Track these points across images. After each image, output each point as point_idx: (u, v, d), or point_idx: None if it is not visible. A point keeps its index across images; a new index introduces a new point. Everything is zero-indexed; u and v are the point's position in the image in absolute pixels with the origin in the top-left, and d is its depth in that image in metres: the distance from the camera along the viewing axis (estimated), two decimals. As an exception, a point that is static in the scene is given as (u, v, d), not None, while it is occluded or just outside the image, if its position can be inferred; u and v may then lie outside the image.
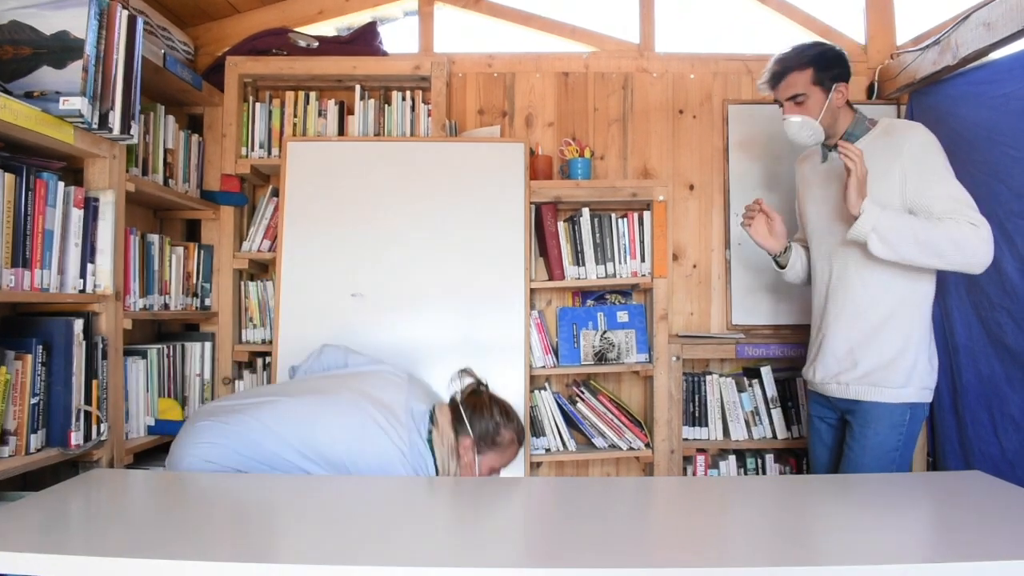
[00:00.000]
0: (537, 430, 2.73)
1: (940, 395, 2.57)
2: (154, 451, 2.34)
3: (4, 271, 1.67)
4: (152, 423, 2.35)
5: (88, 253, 1.95)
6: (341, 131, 2.83)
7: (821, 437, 2.25)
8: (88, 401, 1.90)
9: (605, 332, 2.80)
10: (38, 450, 1.78)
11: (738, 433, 2.78)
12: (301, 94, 2.84)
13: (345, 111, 2.86)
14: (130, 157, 2.22)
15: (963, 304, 2.48)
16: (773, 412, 2.79)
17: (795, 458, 2.81)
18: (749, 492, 1.75)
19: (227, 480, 1.74)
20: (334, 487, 1.71)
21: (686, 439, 2.77)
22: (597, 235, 2.77)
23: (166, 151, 2.51)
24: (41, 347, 1.78)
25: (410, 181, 2.68)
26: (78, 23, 1.80)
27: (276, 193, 2.78)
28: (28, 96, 1.75)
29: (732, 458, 2.83)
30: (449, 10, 3.08)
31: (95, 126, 1.87)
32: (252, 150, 2.81)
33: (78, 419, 1.86)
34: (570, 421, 2.77)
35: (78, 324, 1.87)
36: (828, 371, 2.13)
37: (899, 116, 2.85)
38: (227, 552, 1.22)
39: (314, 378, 2.15)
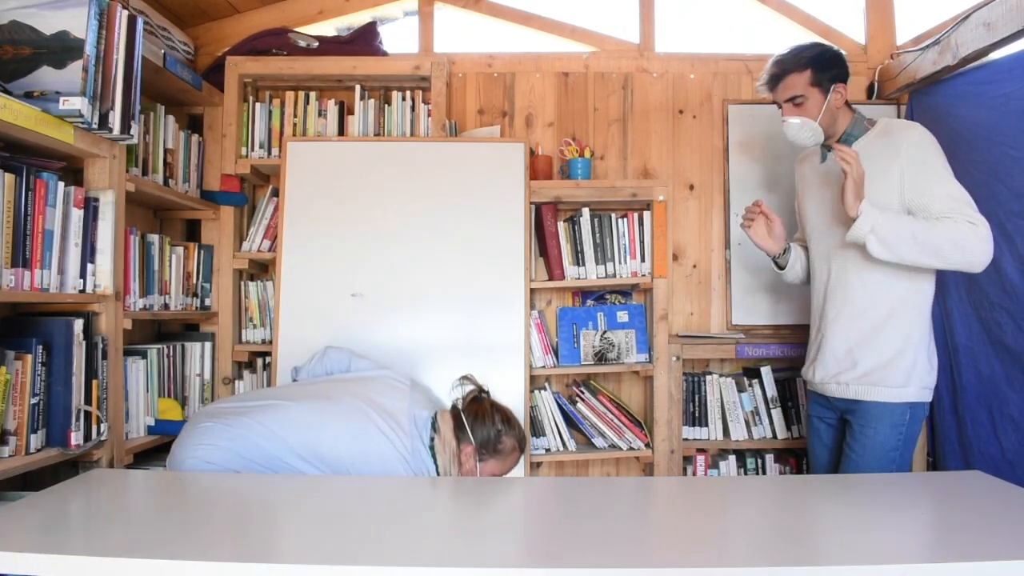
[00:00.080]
0: (537, 430, 2.73)
1: (940, 395, 2.57)
2: (154, 451, 2.34)
3: (4, 271, 1.67)
4: (152, 423, 2.35)
5: (88, 253, 1.95)
6: (341, 131, 2.83)
7: (820, 437, 2.25)
8: (88, 401, 1.90)
9: (605, 332, 2.80)
10: (38, 450, 1.78)
11: (738, 433, 2.78)
12: (301, 94, 2.84)
13: (345, 111, 2.86)
14: (130, 157, 2.22)
15: (963, 304, 2.48)
16: (773, 412, 2.79)
17: (795, 458, 2.81)
18: (749, 492, 1.75)
19: (227, 480, 1.74)
20: (334, 487, 1.71)
21: (686, 439, 2.77)
22: (597, 235, 2.78)
23: (166, 151, 2.51)
24: (41, 347, 1.78)
25: (410, 181, 2.68)
26: (78, 23, 1.80)
27: (276, 193, 2.78)
28: (28, 96, 1.75)
29: (732, 458, 2.83)
30: (449, 10, 3.08)
31: (95, 126, 1.87)
32: (252, 150, 2.81)
33: (78, 419, 1.86)
34: (570, 421, 2.77)
35: (78, 324, 1.87)
36: (827, 371, 2.13)
37: (899, 116, 2.86)
38: (227, 552, 1.22)
39: (317, 382, 2.15)
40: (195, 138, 2.74)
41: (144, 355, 2.34)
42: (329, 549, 1.23)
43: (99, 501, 1.60)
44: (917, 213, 1.95)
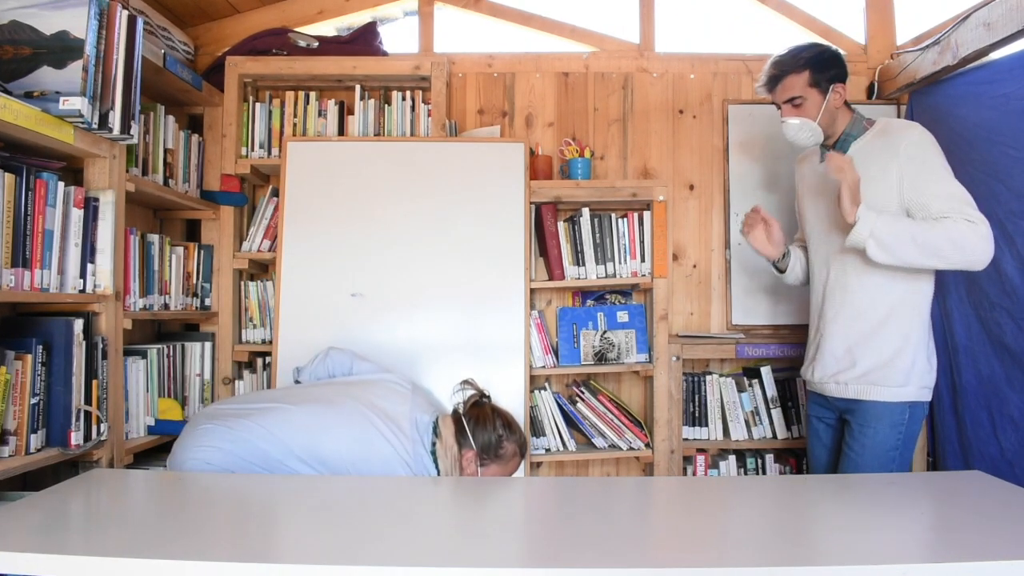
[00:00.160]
0: (537, 430, 2.73)
1: (940, 395, 2.57)
2: (154, 451, 2.34)
3: (4, 271, 1.67)
4: (152, 423, 2.35)
5: (88, 253, 1.95)
6: (341, 131, 2.83)
7: (819, 437, 2.25)
8: (88, 401, 1.90)
9: (605, 332, 2.80)
10: (38, 450, 1.78)
11: (738, 433, 2.78)
12: (301, 94, 2.84)
13: (345, 111, 2.86)
14: (130, 157, 2.22)
15: (963, 304, 2.48)
16: (773, 412, 2.79)
17: (795, 458, 2.81)
18: (749, 492, 1.75)
19: (227, 480, 1.75)
20: (334, 487, 1.71)
21: (686, 439, 2.77)
22: (597, 235, 2.78)
23: (166, 151, 2.51)
24: (41, 347, 1.78)
25: (410, 181, 2.68)
26: (78, 23, 1.80)
27: (276, 193, 2.78)
28: (28, 96, 1.75)
29: (732, 458, 2.83)
30: (449, 10, 3.08)
31: (95, 126, 1.87)
32: (252, 150, 2.81)
33: (78, 419, 1.86)
34: (570, 421, 2.77)
35: (78, 324, 1.87)
36: (826, 371, 2.13)
37: (899, 116, 2.86)
38: (227, 552, 1.22)
39: (319, 385, 2.15)
40: (195, 138, 2.73)
41: (144, 355, 2.34)
42: (329, 549, 1.23)
43: (99, 501, 1.60)
44: (916, 213, 1.95)
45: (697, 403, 2.80)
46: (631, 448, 2.72)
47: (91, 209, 1.96)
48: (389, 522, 1.43)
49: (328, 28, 3.09)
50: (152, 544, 1.24)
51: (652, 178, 2.98)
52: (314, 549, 1.23)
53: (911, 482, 1.84)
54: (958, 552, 1.23)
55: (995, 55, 2.31)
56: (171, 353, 2.51)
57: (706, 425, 2.80)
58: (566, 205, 2.86)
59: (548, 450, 2.74)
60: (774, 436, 2.79)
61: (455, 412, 2.06)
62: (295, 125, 2.83)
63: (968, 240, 1.87)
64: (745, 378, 2.83)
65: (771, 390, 2.79)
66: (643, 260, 2.77)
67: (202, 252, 2.71)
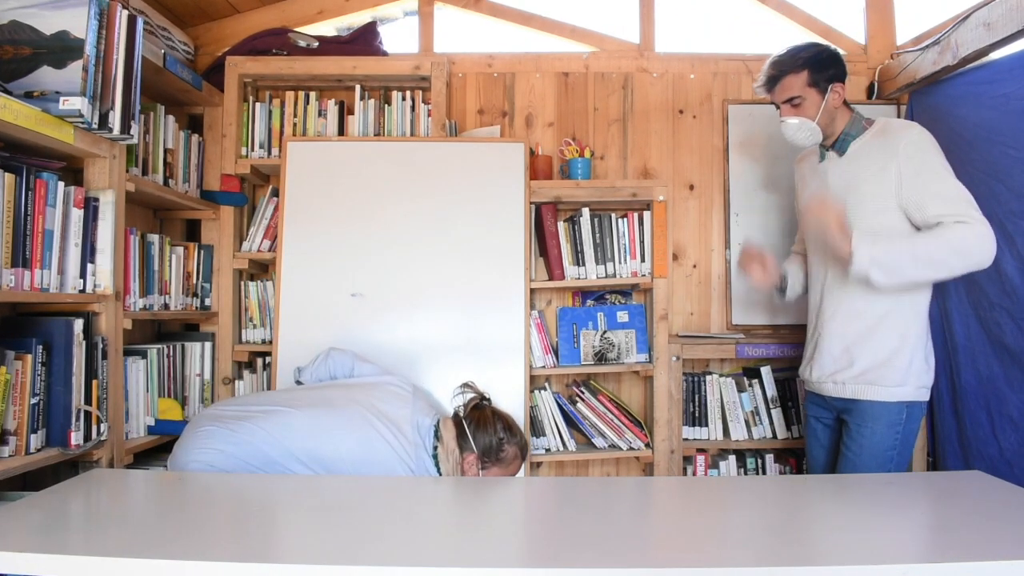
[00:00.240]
0: (537, 430, 2.73)
1: (940, 395, 2.57)
2: (154, 451, 2.34)
3: (4, 271, 1.67)
4: (152, 423, 2.35)
5: (88, 253, 1.95)
6: (341, 131, 2.83)
7: (817, 437, 2.25)
8: (88, 401, 1.90)
9: (605, 332, 2.80)
10: (38, 450, 1.78)
11: (738, 433, 2.78)
12: (301, 94, 2.84)
13: (345, 111, 2.86)
14: (130, 157, 2.22)
15: (962, 304, 2.48)
16: (773, 412, 2.79)
17: (795, 458, 2.81)
18: (749, 492, 1.75)
19: (227, 480, 1.75)
20: (334, 487, 1.71)
21: (686, 439, 2.77)
22: (597, 235, 2.78)
23: (166, 151, 2.51)
24: (41, 347, 1.78)
25: (410, 181, 2.68)
26: (78, 23, 1.80)
27: (276, 193, 2.78)
28: (28, 96, 1.75)
29: (732, 458, 2.83)
30: (449, 10, 3.08)
31: (95, 126, 1.87)
32: (252, 150, 2.81)
33: (78, 419, 1.86)
34: (570, 421, 2.77)
35: (78, 324, 1.87)
36: (824, 370, 2.13)
37: (899, 116, 2.85)
38: (227, 552, 1.22)
39: (320, 387, 2.15)
40: (195, 138, 2.74)
41: (144, 355, 2.34)
42: (329, 549, 1.23)
43: (99, 501, 1.60)
44: (914, 214, 1.95)
45: (697, 403, 2.80)
46: (631, 448, 2.72)
47: (91, 209, 1.96)
48: (389, 522, 1.43)
49: (328, 28, 3.09)
50: (152, 544, 1.24)
51: (652, 178, 2.98)
52: (314, 549, 1.23)
53: (911, 482, 1.84)
54: (958, 552, 1.23)
55: (995, 55, 2.31)
56: (171, 353, 2.51)
57: (706, 425, 2.80)
58: (566, 205, 2.86)
59: (548, 450, 2.74)
60: (774, 436, 2.79)
61: (456, 415, 2.06)
62: (295, 125, 2.83)
63: (967, 243, 1.87)
64: (745, 378, 2.83)
65: (771, 390, 2.79)
66: (643, 260, 2.77)
67: (202, 252, 2.71)
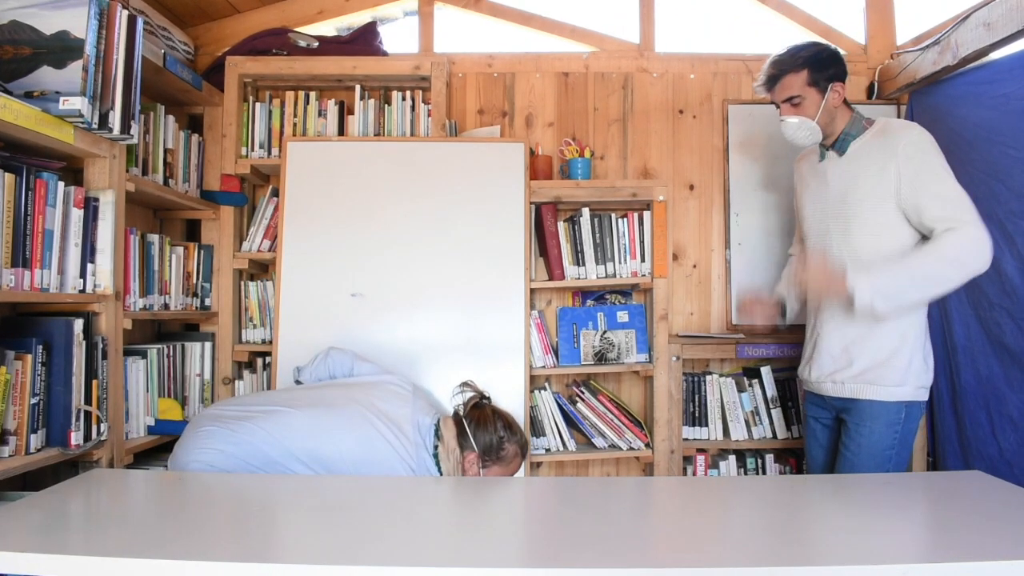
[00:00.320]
0: (537, 430, 2.73)
1: (940, 395, 2.57)
2: (154, 451, 2.34)
3: (4, 271, 1.67)
4: (152, 423, 2.35)
5: (88, 253, 1.95)
6: (341, 131, 2.83)
7: (816, 437, 2.25)
8: (88, 401, 1.90)
9: (605, 332, 2.80)
10: (38, 450, 1.78)
11: (738, 433, 2.78)
12: (301, 94, 2.84)
13: (345, 111, 2.86)
14: (130, 157, 2.22)
15: (962, 304, 2.48)
16: (773, 412, 2.79)
17: (795, 458, 2.81)
18: (749, 492, 1.75)
19: (227, 480, 1.75)
20: (334, 487, 1.71)
21: (686, 439, 2.77)
22: (597, 235, 2.78)
23: (166, 151, 2.51)
24: (41, 347, 1.78)
25: (410, 181, 2.68)
26: (78, 23, 1.80)
27: (276, 193, 2.78)
28: (28, 96, 1.75)
29: (732, 458, 2.83)
30: (449, 10, 3.08)
31: (95, 126, 1.87)
32: (252, 150, 2.81)
33: (78, 419, 1.86)
34: (570, 421, 2.77)
35: (78, 324, 1.87)
36: (823, 370, 2.13)
37: (899, 116, 2.86)
38: (227, 552, 1.22)
39: (320, 387, 2.15)
40: (195, 138, 2.73)
41: (144, 355, 2.34)
42: (329, 549, 1.23)
43: (99, 501, 1.60)
44: (912, 215, 1.96)
45: (697, 403, 2.80)
46: (631, 448, 2.72)
47: (91, 209, 1.96)
48: (389, 522, 1.43)
49: (328, 28, 3.09)
50: (152, 544, 1.24)
51: (652, 178, 2.98)
52: (314, 549, 1.23)
53: (911, 482, 1.84)
54: (958, 552, 1.23)
55: (995, 55, 2.31)
56: (171, 353, 2.51)
57: (706, 425, 2.80)
58: (566, 205, 2.86)
59: (548, 450, 2.74)
60: (774, 436, 2.79)
61: (456, 414, 2.06)
62: (295, 125, 2.83)
63: (962, 251, 1.87)
64: (745, 378, 2.83)
65: (771, 390, 2.79)
66: (643, 260, 2.77)
67: (202, 252, 2.71)
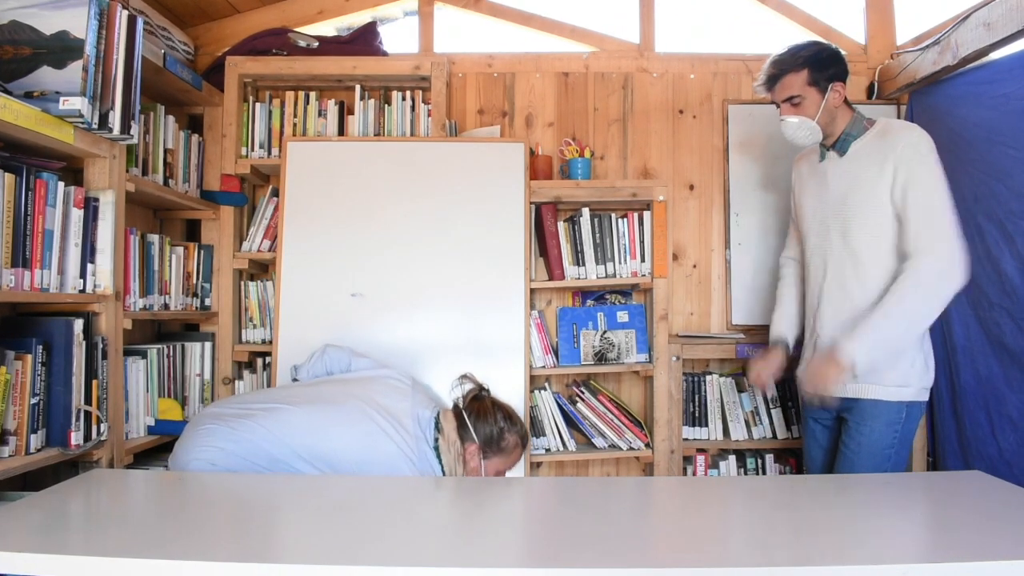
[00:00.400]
0: (537, 430, 2.73)
1: (939, 395, 2.57)
2: (154, 451, 2.34)
3: (4, 271, 1.67)
4: (152, 423, 2.35)
5: (88, 253, 1.95)
6: (341, 131, 2.83)
7: (816, 438, 2.25)
8: (88, 401, 1.90)
9: (605, 332, 2.80)
10: (38, 450, 1.78)
11: (738, 433, 2.78)
12: (301, 94, 2.84)
13: (345, 111, 2.86)
14: (130, 157, 2.22)
15: (962, 304, 2.48)
16: (773, 412, 2.79)
17: (795, 458, 2.81)
18: (749, 492, 1.75)
19: (227, 480, 1.75)
20: (334, 487, 1.71)
21: (686, 439, 2.77)
22: (597, 235, 2.78)
23: (166, 151, 2.51)
24: (41, 347, 1.78)
25: (410, 181, 2.68)
26: (78, 23, 1.80)
27: (276, 193, 2.78)
28: (28, 96, 1.75)
29: (732, 458, 2.83)
30: (449, 10, 3.08)
31: (95, 126, 1.87)
32: (252, 150, 2.81)
33: (78, 419, 1.86)
34: (570, 421, 2.77)
35: (78, 324, 1.87)
36: None
37: (899, 116, 2.86)
38: (227, 552, 1.22)
39: (319, 383, 2.15)
40: (195, 138, 2.73)
41: (144, 355, 2.34)
42: (329, 549, 1.23)
43: (99, 501, 1.60)
44: (900, 219, 1.97)
45: (697, 403, 2.80)
46: (631, 448, 2.72)
47: (91, 209, 1.96)
48: (389, 522, 1.43)
49: (328, 28, 3.09)
50: (152, 544, 1.24)
51: (652, 178, 2.98)
52: (314, 549, 1.23)
53: (911, 482, 1.84)
54: (958, 552, 1.23)
55: (995, 55, 2.31)
56: (171, 353, 2.51)
57: (706, 425, 2.80)
58: (566, 205, 2.86)
59: (548, 450, 2.74)
60: (774, 436, 2.79)
61: (456, 407, 2.07)
62: (295, 125, 2.83)
63: (932, 282, 1.90)
64: (745, 378, 2.82)
65: (771, 390, 2.78)
66: (643, 260, 2.77)
67: (202, 252, 2.71)
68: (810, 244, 2.23)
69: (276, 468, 1.81)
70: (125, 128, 1.97)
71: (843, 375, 1.93)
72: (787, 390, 2.80)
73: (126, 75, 1.95)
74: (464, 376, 2.14)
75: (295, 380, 2.28)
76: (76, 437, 1.85)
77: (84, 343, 1.89)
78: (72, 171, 2.01)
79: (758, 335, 2.82)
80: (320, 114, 2.83)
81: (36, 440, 1.76)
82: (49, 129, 1.75)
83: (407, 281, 2.62)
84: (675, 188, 3.00)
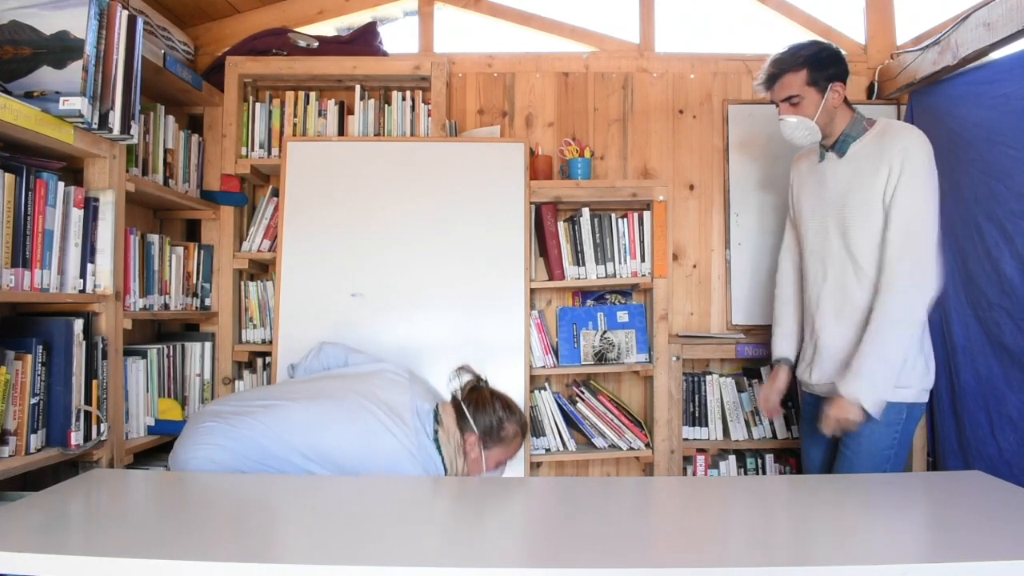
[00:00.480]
0: (537, 430, 2.73)
1: (939, 395, 2.57)
2: (154, 451, 2.34)
3: (4, 271, 1.67)
4: (152, 423, 2.35)
5: (88, 253, 1.95)
6: (341, 131, 2.83)
7: (815, 438, 2.24)
8: (88, 401, 1.90)
9: (605, 332, 2.80)
10: (38, 450, 1.78)
11: (738, 433, 2.78)
12: (301, 94, 2.84)
13: (345, 111, 2.86)
14: (130, 157, 2.22)
15: (961, 304, 2.48)
16: (773, 412, 2.79)
17: (795, 458, 2.81)
18: (749, 492, 1.75)
19: (227, 480, 1.75)
20: (334, 487, 1.71)
21: (686, 439, 2.77)
22: (597, 235, 2.78)
23: (166, 151, 2.51)
24: (41, 347, 1.78)
25: (410, 181, 2.68)
26: (78, 23, 1.80)
27: (276, 193, 2.78)
28: (28, 96, 1.75)
29: (732, 458, 2.83)
30: (449, 10, 3.08)
31: (95, 126, 1.87)
32: (252, 150, 2.81)
33: (78, 419, 1.86)
34: (570, 421, 2.77)
35: (78, 324, 1.87)
36: (825, 373, 2.12)
37: (899, 116, 2.86)
38: (227, 552, 1.22)
39: (318, 379, 2.15)
40: (195, 138, 2.73)
41: (144, 355, 2.34)
42: (329, 549, 1.23)
43: (99, 501, 1.60)
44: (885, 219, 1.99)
45: (697, 403, 2.80)
46: (631, 448, 2.72)
47: (91, 209, 1.96)
48: (389, 522, 1.43)
49: (328, 28, 3.09)
50: (152, 544, 1.24)
51: (652, 178, 2.98)
52: (314, 549, 1.23)
53: (910, 482, 1.84)
54: (958, 552, 1.23)
55: (995, 55, 2.31)
56: (171, 353, 2.51)
57: (706, 425, 2.80)
58: (566, 205, 2.86)
59: (548, 450, 2.74)
60: (774, 436, 2.79)
61: (454, 398, 2.07)
62: (295, 125, 2.83)
63: (903, 307, 1.92)
64: (745, 378, 2.83)
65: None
66: (643, 260, 2.77)
67: (202, 252, 2.71)
68: (809, 244, 2.22)
69: (276, 464, 1.81)
70: (125, 128, 1.97)
71: (859, 414, 1.95)
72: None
73: (126, 75, 1.95)
74: (461, 367, 2.14)
75: (292, 379, 2.27)
76: (76, 437, 1.85)
77: (84, 343, 1.89)
78: (72, 171, 2.01)
79: (758, 335, 2.82)
80: (320, 114, 2.83)
81: (36, 440, 1.76)
82: (49, 129, 1.75)
83: (407, 281, 2.62)
84: (675, 188, 3.00)
